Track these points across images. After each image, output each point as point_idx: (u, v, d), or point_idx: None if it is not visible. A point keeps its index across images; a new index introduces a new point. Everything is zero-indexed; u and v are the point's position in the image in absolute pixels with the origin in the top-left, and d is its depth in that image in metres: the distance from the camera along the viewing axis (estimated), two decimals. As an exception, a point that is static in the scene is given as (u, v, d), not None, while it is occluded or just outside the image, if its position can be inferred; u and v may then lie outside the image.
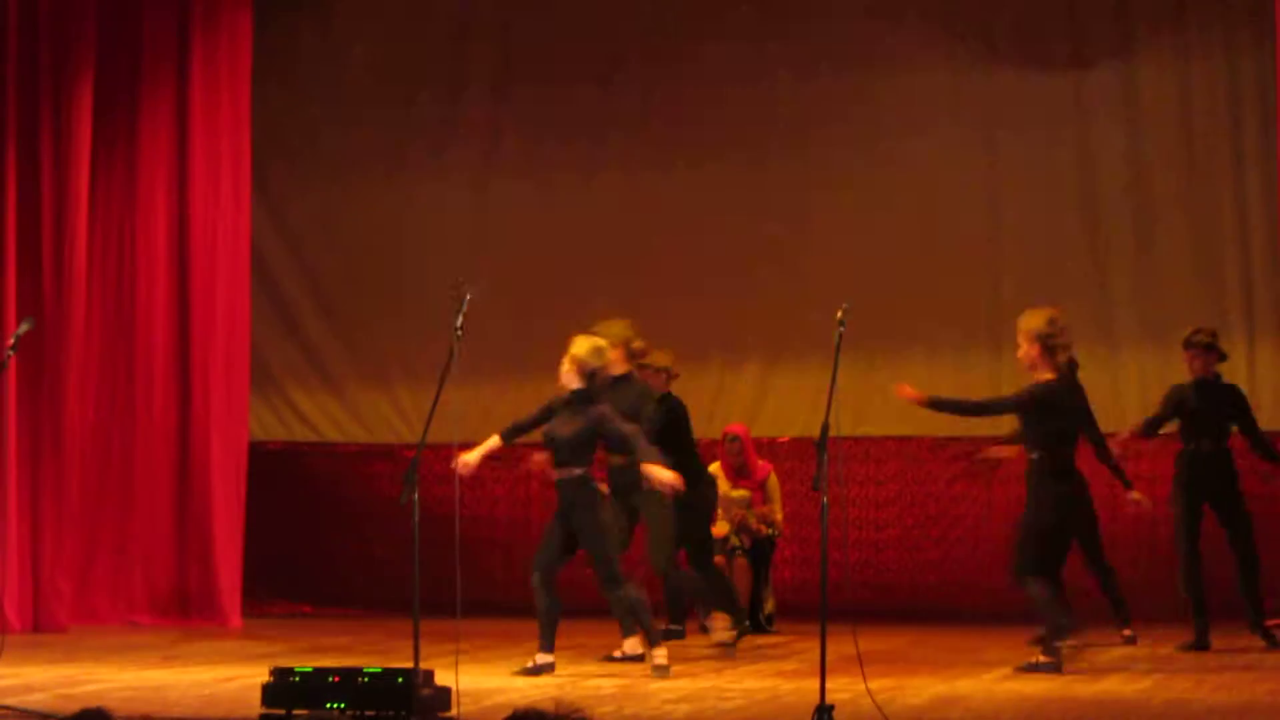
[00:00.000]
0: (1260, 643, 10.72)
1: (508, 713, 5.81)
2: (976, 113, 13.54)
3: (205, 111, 13.18)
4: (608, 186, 14.23)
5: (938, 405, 10.06)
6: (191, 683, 9.18)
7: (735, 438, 12.75)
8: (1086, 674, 9.47)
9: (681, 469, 9.92)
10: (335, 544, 14.16)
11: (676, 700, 8.38)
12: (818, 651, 7.33)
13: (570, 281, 14.16)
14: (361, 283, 14.62)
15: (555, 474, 9.71)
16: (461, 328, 8.53)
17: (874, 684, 8.13)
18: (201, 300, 13.10)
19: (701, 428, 13.14)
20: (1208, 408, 10.95)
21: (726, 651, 10.78)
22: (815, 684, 7.37)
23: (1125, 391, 13.12)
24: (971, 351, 13.31)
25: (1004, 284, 13.37)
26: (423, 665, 7.69)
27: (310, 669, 7.66)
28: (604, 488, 9.92)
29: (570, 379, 9.69)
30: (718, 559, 12.46)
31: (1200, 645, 10.68)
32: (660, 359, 11.24)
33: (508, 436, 9.76)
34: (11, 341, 10.30)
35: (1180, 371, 13.09)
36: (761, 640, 11.75)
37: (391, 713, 7.48)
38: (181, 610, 12.88)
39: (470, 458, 9.63)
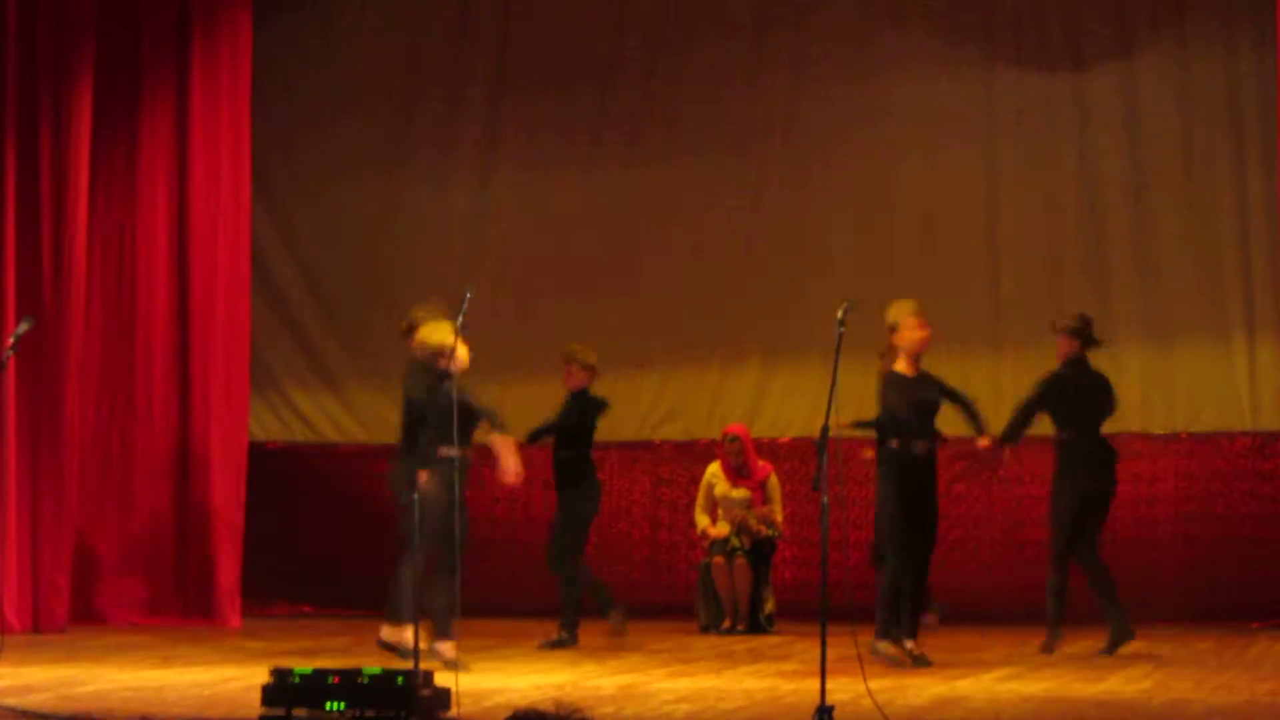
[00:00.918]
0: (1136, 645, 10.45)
1: (508, 713, 5.81)
2: (976, 113, 13.54)
3: (205, 111, 13.19)
4: (607, 186, 14.24)
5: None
6: (191, 683, 9.17)
7: (735, 438, 12.75)
8: (1087, 674, 9.47)
9: (582, 465, 11.09)
10: (335, 544, 14.14)
11: (676, 700, 8.38)
12: (818, 651, 7.32)
13: (570, 281, 14.17)
14: (361, 283, 14.62)
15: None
16: (461, 328, 8.54)
17: (874, 684, 8.12)
18: (201, 300, 13.11)
19: (701, 428, 13.15)
20: (1078, 395, 10.67)
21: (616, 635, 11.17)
22: (815, 684, 7.37)
23: (1125, 391, 13.12)
24: (972, 351, 13.29)
25: (1004, 284, 13.37)
26: (422, 665, 7.69)
27: (310, 669, 7.65)
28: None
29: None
30: (717, 559, 12.47)
31: (1047, 648, 10.42)
32: (588, 356, 11.54)
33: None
34: (11, 341, 10.30)
35: (1180, 371, 13.13)
36: (761, 640, 11.76)
37: (391, 713, 7.48)
38: (181, 610, 12.89)
39: (515, 466, 9.96)
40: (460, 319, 8.52)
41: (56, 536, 12.31)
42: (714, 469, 12.76)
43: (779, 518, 12.67)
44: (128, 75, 13.04)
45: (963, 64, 13.58)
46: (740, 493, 12.65)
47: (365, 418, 14.53)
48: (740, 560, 12.43)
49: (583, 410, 11.53)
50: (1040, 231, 13.39)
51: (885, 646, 9.87)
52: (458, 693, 7.71)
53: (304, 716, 7.53)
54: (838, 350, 8.27)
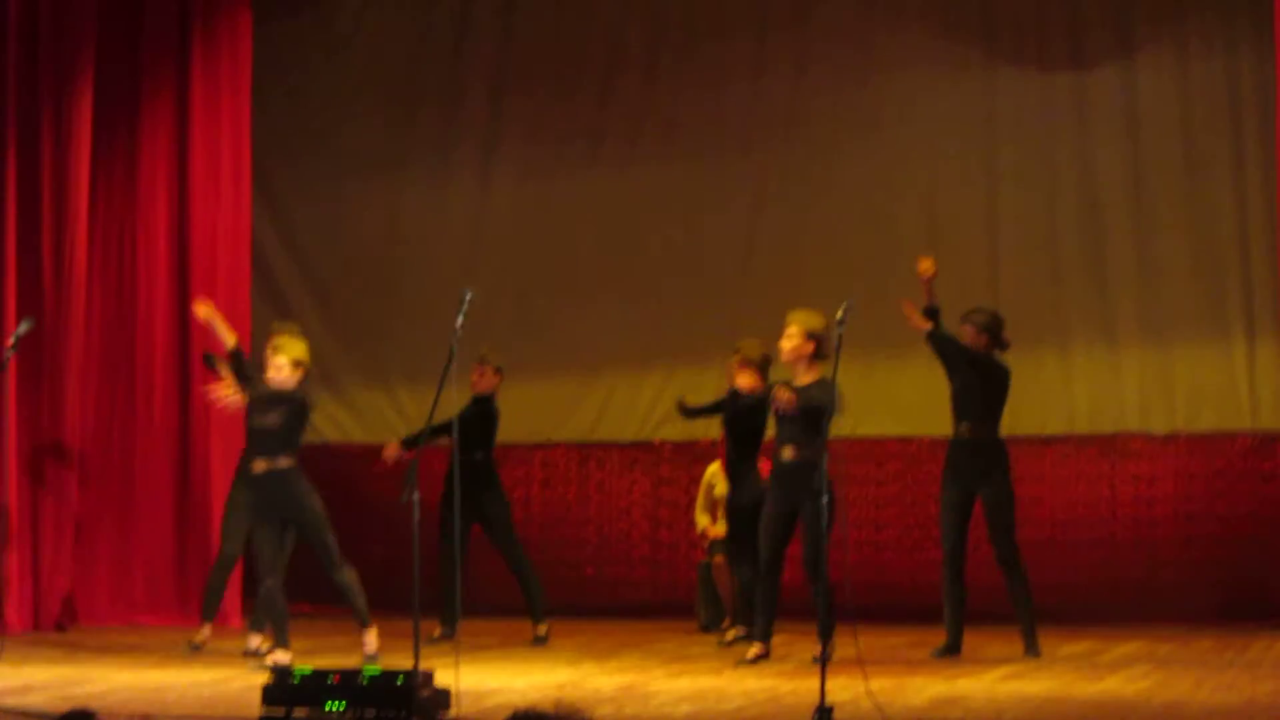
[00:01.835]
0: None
1: (508, 713, 5.81)
2: (976, 113, 13.54)
3: (205, 112, 13.20)
4: (607, 187, 14.23)
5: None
6: (191, 683, 9.18)
7: (735, 438, 12.72)
8: (1087, 674, 9.47)
9: (492, 466, 11.33)
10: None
11: (676, 700, 8.38)
12: (817, 651, 7.32)
13: (570, 282, 14.17)
14: (361, 283, 14.62)
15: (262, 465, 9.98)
16: (461, 328, 8.54)
17: (874, 684, 8.13)
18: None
19: (703, 428, 13.14)
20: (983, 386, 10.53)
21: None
22: (815, 684, 7.37)
23: (1125, 391, 13.12)
24: (972, 351, 13.28)
25: (1003, 283, 13.36)
26: (422, 665, 7.69)
27: (310, 669, 7.66)
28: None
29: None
30: (718, 559, 12.45)
31: (950, 649, 10.40)
32: (499, 359, 11.61)
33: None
34: (11, 341, 10.33)
35: (1180, 371, 13.11)
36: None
37: (391, 713, 7.48)
38: (181, 610, 12.89)
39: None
40: (460, 319, 8.51)
41: (56, 536, 12.31)
42: (714, 469, 12.74)
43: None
44: (128, 77, 13.05)
45: (963, 64, 13.57)
46: (740, 493, 12.62)
47: (365, 418, 14.53)
48: (740, 560, 12.41)
49: (491, 415, 11.52)
50: (1040, 231, 13.38)
51: None
52: (458, 693, 7.72)
53: (304, 716, 7.54)
54: (838, 350, 8.28)
